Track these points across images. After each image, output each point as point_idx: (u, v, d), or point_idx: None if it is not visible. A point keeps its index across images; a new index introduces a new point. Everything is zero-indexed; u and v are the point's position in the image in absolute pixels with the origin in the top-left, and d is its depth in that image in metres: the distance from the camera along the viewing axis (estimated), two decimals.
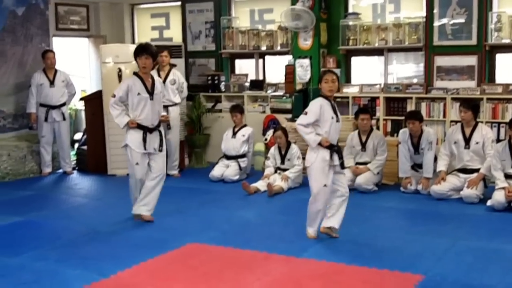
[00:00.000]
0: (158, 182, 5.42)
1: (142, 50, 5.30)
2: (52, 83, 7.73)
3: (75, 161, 8.39)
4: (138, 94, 5.29)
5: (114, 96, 5.34)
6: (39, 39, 8.05)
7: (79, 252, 4.64)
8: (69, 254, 4.59)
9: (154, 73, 7.41)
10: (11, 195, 6.79)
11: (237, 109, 7.61)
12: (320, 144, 4.64)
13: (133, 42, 9.36)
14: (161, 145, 5.43)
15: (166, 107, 7.40)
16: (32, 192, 6.96)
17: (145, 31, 9.53)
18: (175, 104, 7.56)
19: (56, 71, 7.80)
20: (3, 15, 7.61)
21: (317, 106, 4.68)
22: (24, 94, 7.76)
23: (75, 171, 8.13)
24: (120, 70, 7.47)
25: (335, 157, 4.71)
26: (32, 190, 7.09)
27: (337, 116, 4.74)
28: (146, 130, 5.33)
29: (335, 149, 4.71)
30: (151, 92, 5.34)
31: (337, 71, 7.68)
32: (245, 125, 7.58)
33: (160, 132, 5.45)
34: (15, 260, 4.45)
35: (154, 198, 5.43)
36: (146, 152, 5.35)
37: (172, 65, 7.60)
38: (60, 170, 8.10)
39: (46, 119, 7.74)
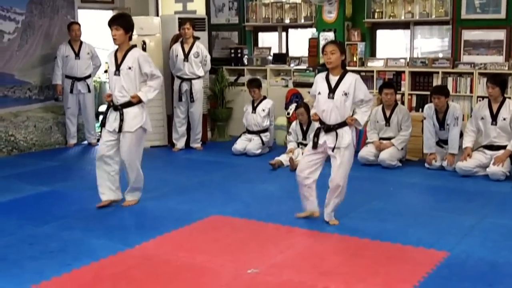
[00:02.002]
0: (127, 167, 5.02)
1: (109, 21, 4.91)
2: (77, 55, 7.77)
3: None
4: (109, 68, 5.11)
5: None
6: (64, 11, 8.06)
7: (105, 222, 4.72)
8: (94, 224, 4.67)
9: (178, 45, 7.45)
10: (37, 165, 6.91)
11: (254, 84, 7.50)
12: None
13: (157, 15, 9.32)
14: (119, 127, 4.91)
15: (189, 80, 7.44)
16: (58, 163, 7.07)
17: (169, 3, 9.46)
18: (199, 77, 7.53)
19: (81, 43, 7.84)
20: None
21: (315, 80, 4.63)
22: (50, 66, 7.82)
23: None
24: (144, 43, 7.47)
25: (320, 134, 4.47)
26: (58, 161, 7.20)
27: (333, 92, 4.41)
28: (112, 106, 4.99)
29: (322, 127, 4.48)
30: (117, 67, 4.95)
31: (362, 44, 7.60)
32: (264, 98, 7.52)
33: (121, 114, 4.91)
34: (43, 229, 4.55)
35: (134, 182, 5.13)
36: (111, 130, 4.95)
37: (196, 38, 7.55)
38: (85, 142, 8.20)
39: (71, 91, 7.80)
